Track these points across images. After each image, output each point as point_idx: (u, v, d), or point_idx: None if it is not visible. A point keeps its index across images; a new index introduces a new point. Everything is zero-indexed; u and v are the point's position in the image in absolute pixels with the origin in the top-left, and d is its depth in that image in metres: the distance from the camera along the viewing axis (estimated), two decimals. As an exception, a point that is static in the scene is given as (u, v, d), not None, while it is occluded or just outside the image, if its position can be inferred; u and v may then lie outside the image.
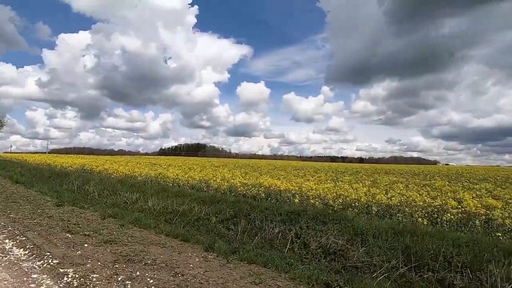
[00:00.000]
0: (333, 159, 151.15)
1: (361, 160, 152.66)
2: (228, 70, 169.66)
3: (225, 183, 8.46)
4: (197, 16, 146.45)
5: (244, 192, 8.08)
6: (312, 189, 7.26)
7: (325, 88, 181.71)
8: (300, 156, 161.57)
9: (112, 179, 11.14)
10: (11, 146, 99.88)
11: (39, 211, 7.06)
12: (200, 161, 33.69)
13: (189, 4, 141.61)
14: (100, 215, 6.93)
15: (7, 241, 4.67)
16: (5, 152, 79.02)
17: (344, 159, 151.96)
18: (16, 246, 4.43)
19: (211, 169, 14.63)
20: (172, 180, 10.18)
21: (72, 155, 47.54)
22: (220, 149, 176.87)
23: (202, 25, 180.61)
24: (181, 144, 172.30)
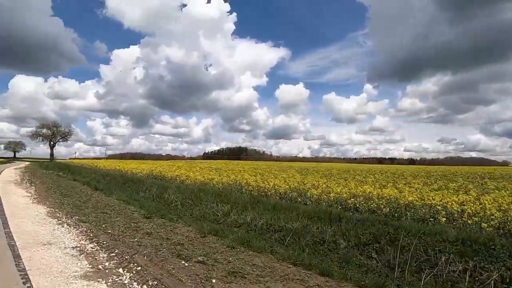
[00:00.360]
0: (380, 160, 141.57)
1: (411, 161, 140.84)
2: (267, 74, 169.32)
3: (332, 194, 7.04)
4: (235, 23, 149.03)
5: (357, 206, 6.59)
6: (456, 203, 5.53)
7: (368, 87, 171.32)
8: (344, 158, 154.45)
9: (191, 186, 10.43)
10: (75, 152, 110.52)
11: (133, 225, 6.36)
12: (256, 165, 32.83)
13: (227, 12, 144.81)
14: (198, 232, 6.00)
15: (121, 270, 3.80)
16: (70, 158, 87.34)
17: (392, 161, 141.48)
18: (135, 281, 3.51)
19: (285, 174, 13.36)
20: (256, 188, 9.08)
21: (142, 161, 50.24)
22: (261, 152, 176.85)
23: (240, 31, 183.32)
24: (223, 148, 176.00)
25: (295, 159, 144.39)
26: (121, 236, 5.47)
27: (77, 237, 5.28)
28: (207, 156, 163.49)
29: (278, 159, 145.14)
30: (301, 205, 7.18)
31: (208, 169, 18.06)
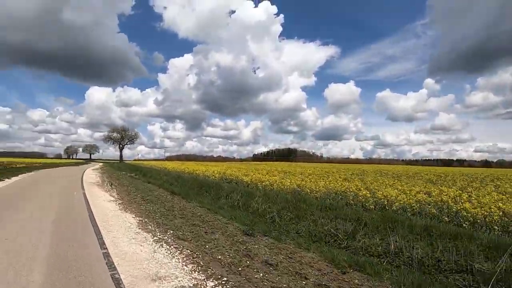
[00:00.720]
0: (446, 162, 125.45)
1: (486, 163, 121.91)
2: (315, 74, 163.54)
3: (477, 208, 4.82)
4: (282, 25, 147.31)
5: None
6: None
7: (429, 81, 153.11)
8: (403, 160, 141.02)
9: (283, 194, 8.93)
10: (138, 154, 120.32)
11: (241, 248, 5.02)
12: (317, 167, 30.60)
13: (274, 14, 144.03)
14: (330, 262, 4.36)
15: None
16: (134, 159, 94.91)
17: (461, 163, 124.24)
18: None
19: (397, 181, 11.12)
20: (365, 198, 7.16)
21: (203, 162, 51.76)
22: (311, 153, 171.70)
23: (288, 32, 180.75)
24: (272, 150, 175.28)
25: (347, 160, 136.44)
26: (238, 268, 4.09)
27: (186, 265, 4.06)
28: (257, 157, 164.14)
29: (329, 160, 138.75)
30: (461, 229, 5.09)
31: (276, 171, 16.61)
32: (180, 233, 5.77)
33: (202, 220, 7.09)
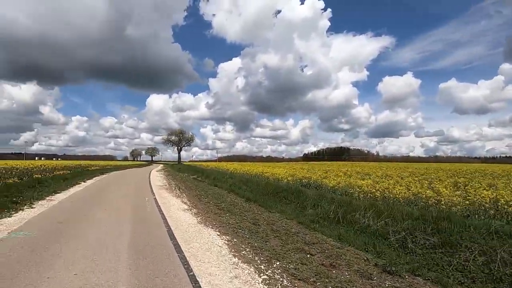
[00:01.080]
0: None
1: None
2: (367, 67, 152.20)
3: None
4: (330, 19, 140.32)
5: None
6: None
7: (506, 67, 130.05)
8: (476, 157, 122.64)
9: (399, 206, 6.77)
10: (192, 156, 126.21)
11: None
12: (378, 167, 26.98)
13: (321, 9, 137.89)
14: None
15: None
16: (189, 160, 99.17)
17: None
18: None
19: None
20: None
21: (263, 163, 51.38)
22: (366, 151, 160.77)
23: (336, 27, 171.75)
24: (322, 149, 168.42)
25: (407, 159, 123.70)
26: None
27: None
28: (308, 157, 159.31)
29: (386, 159, 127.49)
30: None
31: (340, 173, 14.26)
32: (291, 266, 4.11)
33: (304, 241, 5.38)
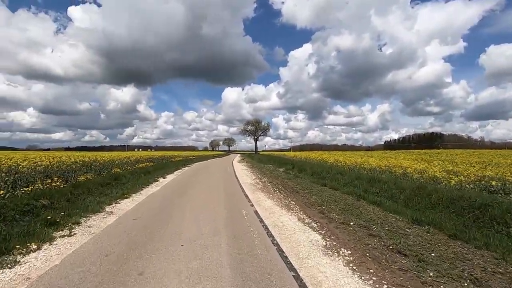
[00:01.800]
0: None
1: None
2: (464, 37, 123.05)
3: None
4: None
5: None
6: None
7: None
8: None
9: None
10: (265, 145, 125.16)
11: None
12: None
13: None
14: None
15: None
16: (263, 150, 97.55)
17: None
18: None
19: None
20: None
21: (346, 152, 45.92)
22: (466, 137, 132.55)
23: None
24: (408, 135, 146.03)
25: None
26: None
27: None
28: (390, 145, 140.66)
29: (496, 146, 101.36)
30: None
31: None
32: None
33: None
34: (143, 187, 9.69)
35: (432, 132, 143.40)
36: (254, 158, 38.95)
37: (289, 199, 7.90)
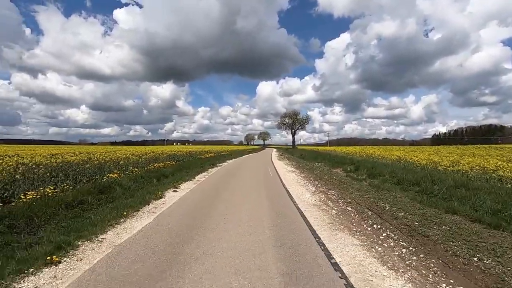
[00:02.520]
0: None
1: None
2: None
3: None
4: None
5: None
6: None
7: None
8: None
9: None
10: (300, 139, 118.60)
11: None
12: None
13: None
14: None
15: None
16: (298, 145, 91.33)
17: None
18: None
19: None
20: None
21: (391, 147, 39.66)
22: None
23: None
24: (461, 128, 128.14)
25: None
26: None
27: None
28: (439, 139, 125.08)
29: None
30: None
31: None
32: None
33: None
34: (141, 207, 5.77)
35: (490, 124, 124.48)
36: (293, 153, 34.25)
37: (386, 237, 3.37)
